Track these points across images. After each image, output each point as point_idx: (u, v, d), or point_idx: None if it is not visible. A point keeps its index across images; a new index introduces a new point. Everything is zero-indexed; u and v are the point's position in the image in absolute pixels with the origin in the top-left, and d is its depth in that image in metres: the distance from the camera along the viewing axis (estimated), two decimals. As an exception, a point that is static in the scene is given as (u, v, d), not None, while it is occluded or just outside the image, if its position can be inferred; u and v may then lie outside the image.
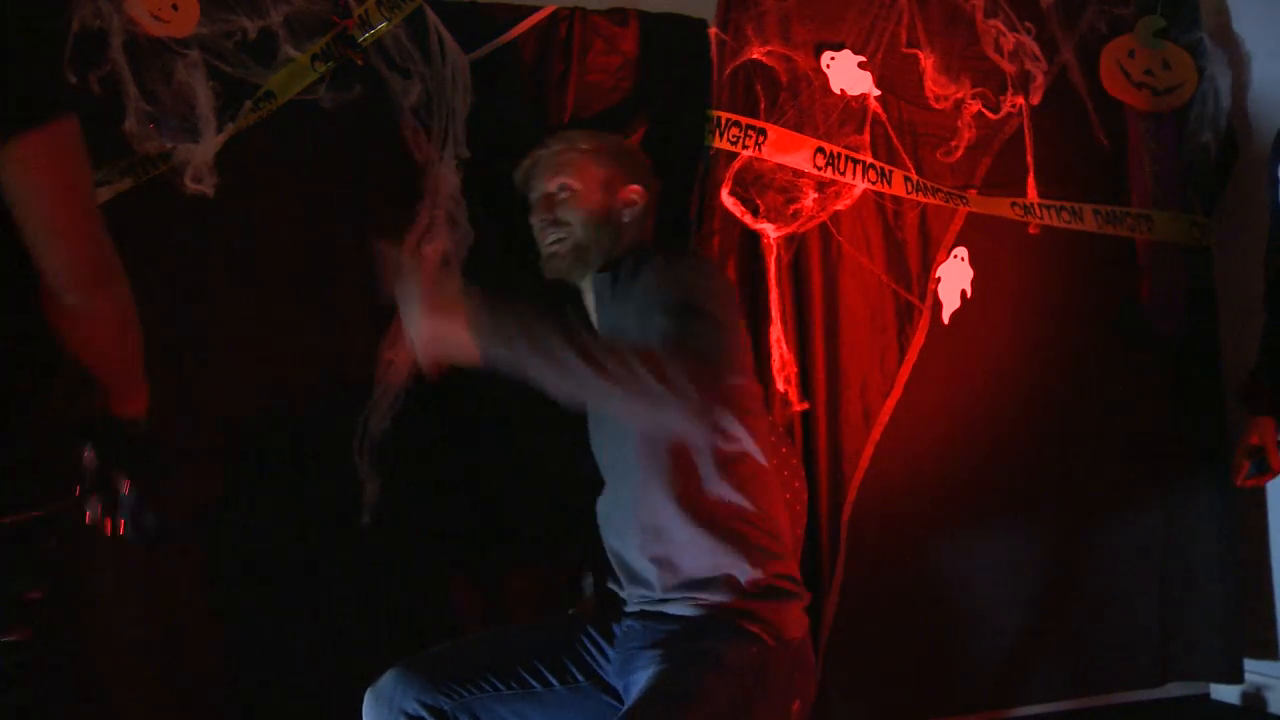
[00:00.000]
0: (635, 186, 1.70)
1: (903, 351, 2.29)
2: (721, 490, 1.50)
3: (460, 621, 2.04)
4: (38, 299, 1.09)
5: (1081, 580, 2.39)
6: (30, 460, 1.10)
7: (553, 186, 1.68)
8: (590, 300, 1.69)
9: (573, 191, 1.67)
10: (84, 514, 1.16)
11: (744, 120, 2.17)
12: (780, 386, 2.16)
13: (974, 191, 2.36)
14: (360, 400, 1.99)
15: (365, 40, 2.00)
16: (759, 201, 2.18)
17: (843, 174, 2.23)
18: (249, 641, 1.95)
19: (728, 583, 1.48)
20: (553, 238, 1.67)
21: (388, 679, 1.51)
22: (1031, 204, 2.39)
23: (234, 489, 1.94)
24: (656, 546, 1.51)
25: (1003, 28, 2.37)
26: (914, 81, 2.32)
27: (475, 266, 2.05)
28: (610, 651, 1.55)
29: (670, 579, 1.50)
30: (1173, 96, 2.46)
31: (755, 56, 2.19)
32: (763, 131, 2.18)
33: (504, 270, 2.09)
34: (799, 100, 2.23)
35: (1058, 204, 2.40)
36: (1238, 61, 2.53)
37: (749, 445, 1.53)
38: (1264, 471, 2.10)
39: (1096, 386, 2.41)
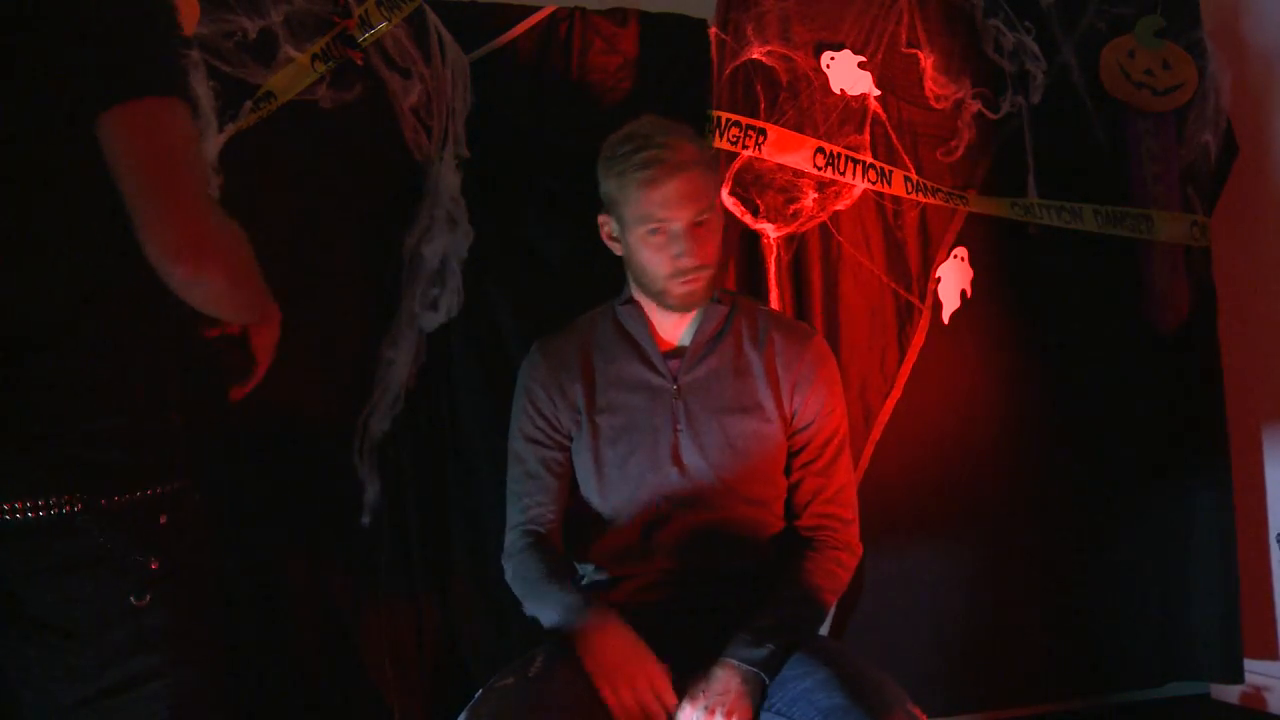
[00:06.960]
0: (724, 189, 1.65)
1: (903, 351, 2.29)
2: None
3: (459, 621, 2.04)
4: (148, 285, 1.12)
5: (1081, 580, 2.39)
6: (139, 444, 1.15)
7: (695, 214, 1.53)
8: (659, 316, 1.66)
9: (713, 216, 1.57)
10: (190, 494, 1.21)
11: (744, 120, 2.17)
12: (780, 386, 2.16)
13: (974, 191, 2.36)
14: (360, 401, 1.99)
15: (365, 40, 2.00)
16: (759, 201, 2.18)
17: (843, 174, 2.23)
18: (247, 641, 1.95)
19: None
20: (694, 266, 1.55)
21: None
22: (1031, 204, 2.39)
23: (232, 489, 1.94)
24: None
25: (1003, 28, 2.37)
26: (914, 81, 2.32)
27: (475, 266, 2.05)
28: None
29: None
30: (1173, 96, 2.46)
31: (755, 56, 2.19)
32: (763, 131, 2.18)
33: (504, 270, 2.09)
34: (799, 100, 2.23)
35: (1058, 204, 2.40)
36: (1238, 61, 2.53)
37: None
38: None
39: (1096, 386, 2.41)
